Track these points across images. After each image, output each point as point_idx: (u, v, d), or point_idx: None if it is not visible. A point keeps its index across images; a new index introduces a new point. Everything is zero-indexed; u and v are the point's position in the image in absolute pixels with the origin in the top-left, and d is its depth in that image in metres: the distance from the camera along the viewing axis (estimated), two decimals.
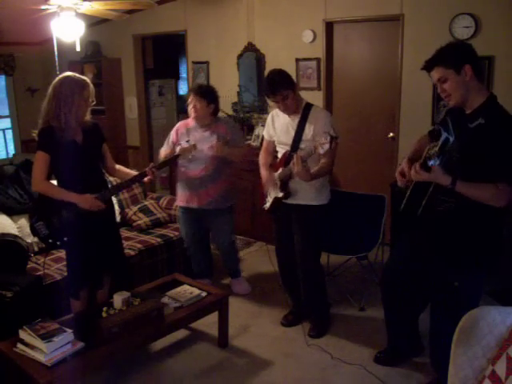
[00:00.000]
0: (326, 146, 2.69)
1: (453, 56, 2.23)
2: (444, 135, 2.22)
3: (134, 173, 3.09)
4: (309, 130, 3.03)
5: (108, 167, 3.05)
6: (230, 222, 3.84)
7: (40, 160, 2.71)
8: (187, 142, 3.47)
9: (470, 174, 2.18)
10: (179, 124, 3.78)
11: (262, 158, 3.34)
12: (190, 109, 3.58)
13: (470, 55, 2.25)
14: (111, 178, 4.11)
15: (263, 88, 3.10)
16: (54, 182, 2.85)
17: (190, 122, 3.70)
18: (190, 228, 3.85)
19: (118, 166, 3.11)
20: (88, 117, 2.87)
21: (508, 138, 2.14)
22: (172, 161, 3.33)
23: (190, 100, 3.57)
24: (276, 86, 2.96)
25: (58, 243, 2.81)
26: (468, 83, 2.22)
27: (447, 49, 2.28)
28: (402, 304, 2.75)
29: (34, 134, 2.78)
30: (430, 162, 2.13)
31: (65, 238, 2.79)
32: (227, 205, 3.77)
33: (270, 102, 5.09)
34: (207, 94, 3.56)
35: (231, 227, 3.86)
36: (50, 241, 2.80)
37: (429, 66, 2.30)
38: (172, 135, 3.72)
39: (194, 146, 3.38)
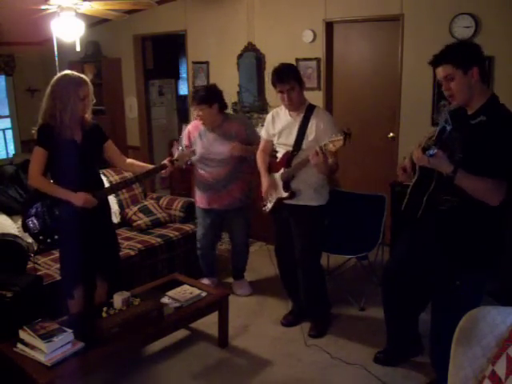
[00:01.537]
0: (339, 143, 2.69)
1: (463, 56, 2.22)
2: (441, 124, 2.23)
3: (146, 166, 3.08)
4: (311, 130, 3.03)
5: (117, 163, 3.06)
6: (248, 221, 3.85)
7: (37, 155, 2.72)
8: (182, 149, 3.44)
9: (470, 171, 2.18)
10: (191, 126, 3.74)
11: (261, 161, 3.34)
12: (198, 117, 3.55)
13: (478, 57, 2.23)
14: (112, 179, 4.12)
15: (272, 78, 3.07)
16: (51, 180, 2.84)
17: (200, 124, 3.67)
18: (209, 230, 3.84)
19: (129, 160, 3.10)
20: (89, 116, 2.88)
21: (507, 135, 2.15)
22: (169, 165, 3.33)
23: (193, 109, 3.54)
24: (285, 75, 2.98)
25: (49, 240, 2.81)
26: (473, 85, 2.22)
27: (458, 47, 2.26)
28: (402, 303, 2.75)
29: (34, 130, 2.79)
30: (429, 152, 2.14)
31: (55, 236, 2.79)
32: (246, 203, 3.76)
33: (270, 102, 5.10)
34: (206, 98, 3.49)
35: (248, 227, 3.87)
36: (41, 237, 2.80)
37: (437, 62, 2.28)
38: (183, 139, 3.68)
39: (194, 152, 3.38)
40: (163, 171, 3.05)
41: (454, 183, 2.18)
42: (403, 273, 2.65)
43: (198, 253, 3.94)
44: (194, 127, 3.71)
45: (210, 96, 3.51)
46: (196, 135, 3.66)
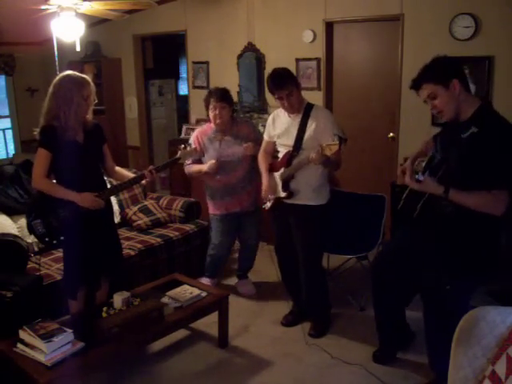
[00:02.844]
0: (335, 148, 2.70)
1: (440, 72, 2.27)
2: (430, 153, 2.32)
3: (131, 175, 3.09)
4: (310, 129, 3.03)
5: (107, 168, 3.05)
6: (260, 220, 3.87)
7: (41, 157, 2.71)
8: (183, 147, 3.42)
9: (468, 184, 2.20)
10: (198, 132, 3.71)
11: (262, 161, 3.34)
12: (215, 115, 3.52)
13: (455, 70, 2.28)
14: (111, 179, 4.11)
15: (268, 84, 3.07)
16: (54, 181, 2.84)
17: (208, 129, 3.67)
18: (228, 236, 3.80)
19: (117, 168, 3.11)
20: (90, 116, 2.87)
21: (501, 144, 2.16)
22: (171, 163, 3.32)
23: (212, 106, 3.51)
24: (282, 81, 2.97)
25: (55, 242, 2.81)
26: (457, 97, 2.25)
27: (433, 65, 2.30)
28: (389, 297, 2.78)
29: (35, 132, 2.77)
30: (417, 176, 2.24)
31: (61, 238, 2.79)
32: (259, 203, 3.75)
33: (270, 102, 5.10)
34: (228, 97, 3.56)
35: (258, 225, 3.88)
36: (47, 239, 2.80)
37: (416, 84, 2.33)
38: (193, 144, 3.60)
39: (195, 150, 3.39)
40: (143, 181, 3.03)
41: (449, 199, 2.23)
42: (391, 268, 2.67)
43: (208, 259, 3.90)
44: (201, 133, 3.69)
45: (230, 97, 3.60)
46: (205, 140, 3.64)
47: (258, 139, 3.64)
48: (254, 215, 3.80)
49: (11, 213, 3.75)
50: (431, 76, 2.27)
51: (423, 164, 2.31)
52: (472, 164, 2.20)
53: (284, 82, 2.97)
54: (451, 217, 2.31)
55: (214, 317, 3.14)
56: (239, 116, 5.17)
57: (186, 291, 3.09)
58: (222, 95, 3.53)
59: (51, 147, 2.70)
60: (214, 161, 3.53)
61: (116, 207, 4.22)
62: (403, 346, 3.03)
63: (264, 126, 3.46)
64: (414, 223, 2.50)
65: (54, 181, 2.83)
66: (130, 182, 3.01)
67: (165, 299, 3.00)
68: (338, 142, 2.69)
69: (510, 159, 2.15)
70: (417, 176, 2.23)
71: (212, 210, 3.79)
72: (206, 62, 5.76)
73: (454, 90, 2.24)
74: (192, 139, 3.72)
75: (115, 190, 3.10)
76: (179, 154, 3.25)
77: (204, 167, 3.58)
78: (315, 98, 4.56)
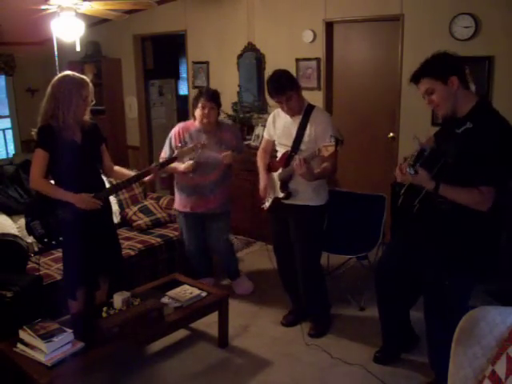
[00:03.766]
0: (332, 149, 2.71)
1: (439, 67, 2.29)
2: (419, 147, 2.36)
3: (131, 173, 3.09)
4: (310, 132, 3.03)
5: (105, 167, 3.05)
6: (229, 224, 3.86)
7: (39, 158, 2.71)
8: (181, 145, 3.43)
9: (461, 179, 2.21)
10: (179, 128, 3.68)
11: (261, 159, 3.34)
12: (202, 114, 3.50)
13: (455, 66, 2.30)
14: (111, 179, 4.11)
15: (267, 88, 3.06)
16: (52, 182, 2.84)
17: (191, 125, 3.66)
18: (193, 232, 3.83)
19: (115, 167, 3.10)
20: (87, 116, 2.87)
21: (493, 141, 2.17)
22: (169, 162, 3.32)
23: (201, 105, 3.49)
24: (281, 87, 2.96)
25: (54, 243, 2.81)
26: (455, 93, 2.27)
27: (433, 60, 2.32)
28: (393, 298, 2.77)
29: (33, 132, 2.77)
30: (408, 170, 2.28)
31: (60, 238, 2.79)
32: (228, 208, 3.78)
33: (270, 102, 5.10)
34: (218, 99, 3.56)
35: (228, 231, 3.87)
36: (46, 240, 2.80)
37: (416, 78, 2.35)
38: (172, 139, 3.64)
39: (192, 148, 3.38)
40: (147, 177, 3.02)
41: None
42: (394, 268, 2.68)
43: (187, 255, 3.94)
44: (183, 128, 3.65)
45: (219, 99, 3.58)
46: (186, 136, 3.61)
47: (239, 147, 3.66)
48: (221, 219, 3.76)
49: (11, 213, 3.76)
50: (430, 71, 2.29)
51: (413, 158, 2.34)
52: (464, 159, 2.22)
53: (283, 88, 2.95)
54: (447, 213, 2.32)
55: (214, 317, 3.14)
56: (238, 117, 5.18)
57: (186, 291, 3.09)
58: (213, 96, 3.52)
59: (49, 147, 2.70)
60: (191, 161, 3.48)
61: (116, 207, 4.23)
62: (406, 348, 3.02)
63: (264, 126, 3.46)
64: (415, 219, 2.50)
65: (52, 181, 2.83)
66: (132, 179, 3.02)
67: (165, 299, 3.00)
68: (334, 144, 2.70)
69: (499, 157, 2.17)
70: (408, 170, 2.27)
71: (177, 205, 3.78)
72: (206, 62, 5.75)
73: (452, 87, 2.25)
74: (172, 133, 3.68)
75: (113, 190, 3.10)
76: (176, 152, 3.24)
77: (180, 167, 3.53)
78: (315, 98, 4.56)
